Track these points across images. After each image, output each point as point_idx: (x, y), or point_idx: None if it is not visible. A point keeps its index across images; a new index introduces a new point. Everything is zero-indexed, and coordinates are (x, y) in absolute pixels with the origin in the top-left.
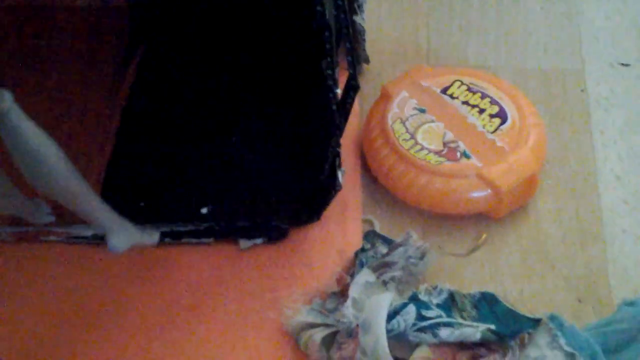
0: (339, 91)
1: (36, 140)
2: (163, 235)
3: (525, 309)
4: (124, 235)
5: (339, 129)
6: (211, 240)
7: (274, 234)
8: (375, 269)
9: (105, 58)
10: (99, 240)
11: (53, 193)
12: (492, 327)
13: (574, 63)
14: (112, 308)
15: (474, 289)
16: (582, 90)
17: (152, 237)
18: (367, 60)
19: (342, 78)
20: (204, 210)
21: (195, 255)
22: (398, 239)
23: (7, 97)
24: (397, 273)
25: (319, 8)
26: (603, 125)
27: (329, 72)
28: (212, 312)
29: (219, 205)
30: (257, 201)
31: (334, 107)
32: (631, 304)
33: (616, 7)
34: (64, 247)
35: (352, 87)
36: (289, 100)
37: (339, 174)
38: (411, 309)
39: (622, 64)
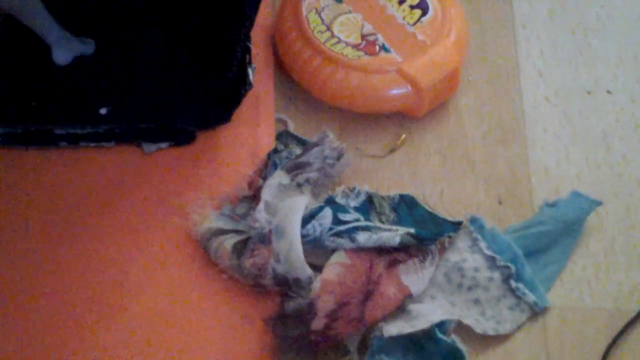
0: None
1: None
2: (58, 138)
3: (446, 212)
4: (68, 47)
5: (248, 20)
6: (112, 144)
7: (180, 138)
8: (289, 171)
9: None
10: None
11: (11, 5)
12: (412, 230)
13: None
14: (5, 213)
15: (393, 191)
16: None
17: (89, 46)
18: None
19: None
20: (103, 111)
21: (96, 159)
22: (313, 139)
23: None
24: (312, 175)
25: None
26: (526, 19)
27: None
28: (113, 219)
29: (119, 106)
30: (160, 101)
31: None
32: (553, 205)
33: None
34: None
35: None
36: None
37: (250, 71)
38: (327, 212)
39: None
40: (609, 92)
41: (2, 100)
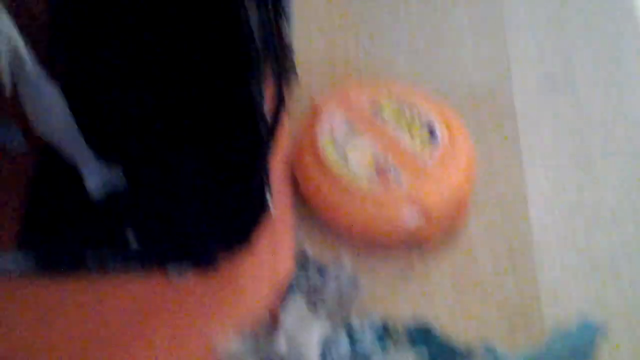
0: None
1: (47, 89)
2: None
3: (459, 339)
4: (100, 175)
5: (267, 147)
6: (137, 267)
7: (204, 261)
8: (306, 296)
9: None
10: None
11: (51, 132)
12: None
13: (502, 81)
14: (21, 345)
15: (407, 317)
16: (510, 110)
17: (119, 177)
18: (294, 74)
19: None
20: (130, 235)
21: (116, 283)
22: (329, 264)
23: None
24: (328, 301)
25: (242, 15)
26: (531, 143)
27: (256, 86)
28: (135, 346)
29: (144, 230)
30: (182, 225)
31: (261, 124)
32: (561, 331)
33: (542, 26)
34: None
35: (281, 101)
36: (214, 118)
37: (267, 196)
38: (344, 341)
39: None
40: (614, 212)
41: (37, 226)
